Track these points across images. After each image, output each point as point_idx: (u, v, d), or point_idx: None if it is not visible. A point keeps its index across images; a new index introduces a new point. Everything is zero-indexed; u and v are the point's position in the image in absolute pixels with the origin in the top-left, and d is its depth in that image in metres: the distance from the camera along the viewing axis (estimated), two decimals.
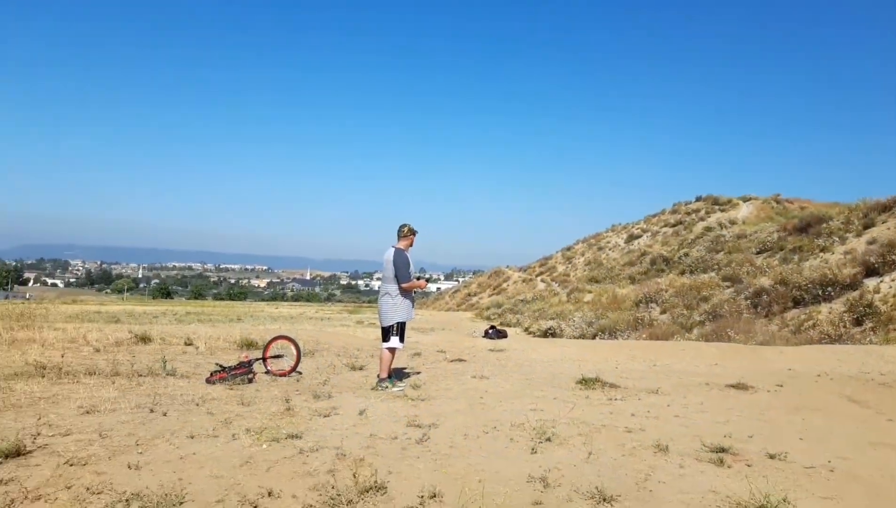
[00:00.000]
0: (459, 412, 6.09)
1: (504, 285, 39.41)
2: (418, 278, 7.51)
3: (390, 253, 7.27)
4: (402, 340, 7.31)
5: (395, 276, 7.21)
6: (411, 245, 7.44)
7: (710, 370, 9.58)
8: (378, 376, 7.41)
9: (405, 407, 6.23)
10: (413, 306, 7.47)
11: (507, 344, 13.69)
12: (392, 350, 7.31)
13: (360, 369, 8.97)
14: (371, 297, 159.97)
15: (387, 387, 7.15)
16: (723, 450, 4.78)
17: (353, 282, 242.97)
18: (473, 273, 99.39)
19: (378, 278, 8.96)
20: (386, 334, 7.30)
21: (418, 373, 8.73)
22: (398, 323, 7.24)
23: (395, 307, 7.23)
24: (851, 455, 4.85)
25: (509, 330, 19.81)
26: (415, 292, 7.51)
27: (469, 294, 42.96)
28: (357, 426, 5.40)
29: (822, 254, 17.59)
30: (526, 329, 20.01)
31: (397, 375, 7.94)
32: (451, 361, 10.21)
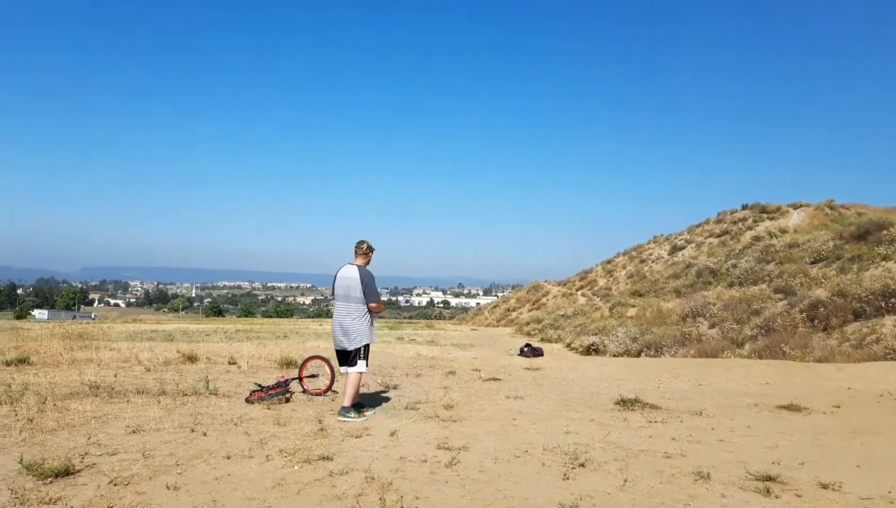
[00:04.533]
0: (491, 434, 6.05)
1: (543, 299, 39.07)
2: None
3: (354, 271, 6.81)
4: (367, 363, 6.86)
5: (364, 295, 6.75)
6: (369, 263, 7.02)
7: (761, 390, 9.25)
8: (343, 405, 6.77)
9: (437, 429, 6.22)
10: (374, 328, 7.00)
11: (544, 362, 13.53)
12: (360, 375, 6.84)
13: (395, 388, 9.01)
14: (412, 312, 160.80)
15: (353, 418, 6.55)
16: (770, 479, 4.58)
17: (394, 298, 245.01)
18: (512, 288, 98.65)
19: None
20: (348, 357, 6.80)
21: (443, 389, 8.71)
22: (365, 346, 6.81)
23: (362, 329, 6.78)
24: None
25: (550, 346, 19.58)
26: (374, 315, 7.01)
27: (508, 309, 42.75)
28: (388, 447, 5.42)
29: (883, 263, 16.64)
30: (568, 345, 19.73)
31: (360, 404, 7.04)
32: (486, 380, 10.13)
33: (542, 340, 22.65)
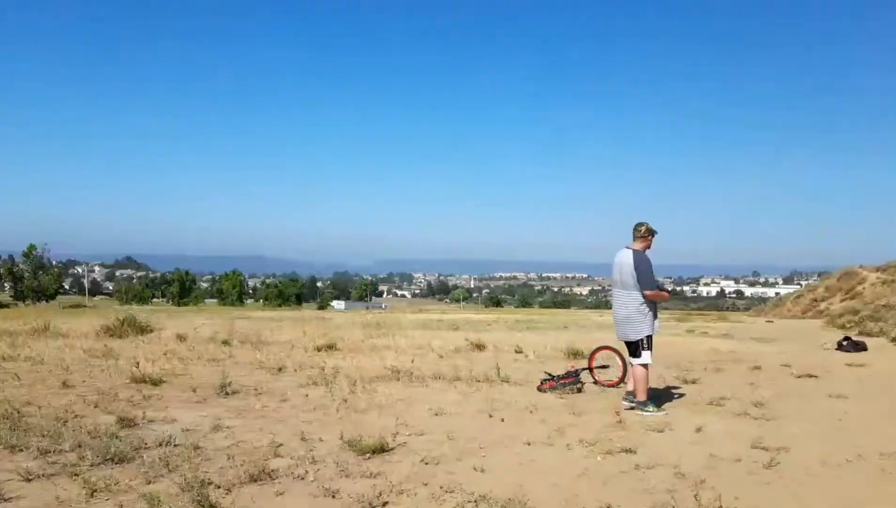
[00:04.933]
0: (813, 435, 5.38)
1: (858, 287, 33.84)
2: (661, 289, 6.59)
3: (628, 255, 6.42)
4: (651, 355, 6.46)
5: (638, 281, 6.34)
6: (649, 247, 6.53)
7: None
8: (629, 396, 6.60)
9: (748, 427, 5.70)
10: (658, 318, 6.59)
11: (867, 358, 11.65)
12: (646, 367, 6.45)
13: (693, 382, 8.42)
14: (700, 303, 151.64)
15: (651, 411, 6.26)
16: None
17: (679, 288, 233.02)
18: (818, 275, 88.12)
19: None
20: (634, 348, 6.48)
21: (750, 385, 7.90)
22: (647, 336, 6.39)
23: (642, 318, 6.39)
24: None
25: (871, 341, 16.86)
26: (658, 305, 6.60)
27: (815, 300, 37.83)
28: (694, 444, 5.11)
29: None
30: (893, 340, 16.83)
31: (657, 397, 6.87)
32: (799, 377, 9.03)
33: (861, 333, 19.62)
